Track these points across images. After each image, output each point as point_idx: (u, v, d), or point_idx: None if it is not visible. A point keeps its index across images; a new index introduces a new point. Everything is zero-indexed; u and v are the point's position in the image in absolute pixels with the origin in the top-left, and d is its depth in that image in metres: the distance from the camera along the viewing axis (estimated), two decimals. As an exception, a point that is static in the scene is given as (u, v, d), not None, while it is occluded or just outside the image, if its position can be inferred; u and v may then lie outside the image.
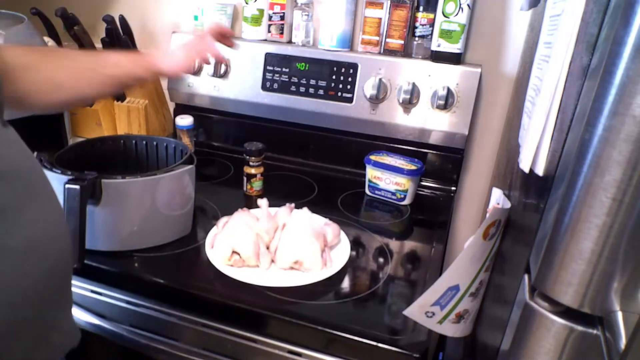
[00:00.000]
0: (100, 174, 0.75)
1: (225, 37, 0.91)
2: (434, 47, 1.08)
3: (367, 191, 1.13)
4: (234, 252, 0.78)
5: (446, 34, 1.05)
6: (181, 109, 1.30)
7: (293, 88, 1.18)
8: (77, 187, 0.71)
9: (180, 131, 1.21)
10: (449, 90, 1.06)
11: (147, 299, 0.78)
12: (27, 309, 0.49)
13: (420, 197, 1.13)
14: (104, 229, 0.80)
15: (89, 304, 0.82)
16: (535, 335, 0.43)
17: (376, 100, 1.11)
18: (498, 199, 0.71)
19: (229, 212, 0.88)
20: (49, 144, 1.13)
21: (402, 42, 1.11)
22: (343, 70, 1.14)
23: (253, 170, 1.05)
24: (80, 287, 0.83)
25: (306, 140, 1.24)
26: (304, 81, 1.17)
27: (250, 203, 1.03)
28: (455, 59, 1.07)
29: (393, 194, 1.09)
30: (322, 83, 1.16)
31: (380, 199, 1.11)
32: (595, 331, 0.40)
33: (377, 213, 1.07)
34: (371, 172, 1.11)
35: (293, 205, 0.92)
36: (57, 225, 0.55)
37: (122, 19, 1.20)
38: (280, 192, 1.11)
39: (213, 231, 0.86)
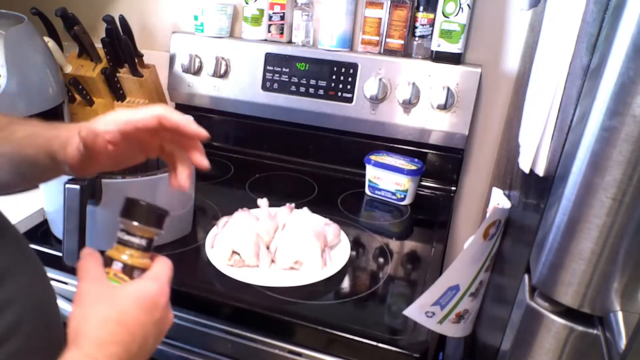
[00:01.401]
0: (100, 174, 0.75)
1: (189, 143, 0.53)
2: (434, 47, 1.08)
3: (367, 191, 1.13)
4: (234, 252, 0.78)
5: (446, 34, 1.05)
6: (181, 109, 1.30)
7: (293, 88, 1.18)
8: (77, 187, 0.71)
9: (180, 131, 1.21)
10: (449, 90, 1.06)
11: (147, 299, 0.78)
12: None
13: (420, 197, 1.13)
14: (104, 229, 0.80)
15: (89, 304, 0.82)
16: (535, 335, 0.43)
17: (376, 100, 1.11)
18: (498, 199, 0.71)
19: (229, 212, 0.88)
20: (49, 144, 1.13)
21: (402, 42, 1.11)
22: (343, 70, 1.14)
23: (126, 256, 0.46)
24: (80, 287, 0.83)
25: (306, 140, 1.24)
26: (304, 81, 1.17)
27: (250, 203, 1.03)
28: (455, 59, 1.07)
29: (393, 194, 1.09)
30: (322, 83, 1.16)
31: (380, 199, 1.11)
32: (595, 331, 0.40)
33: (377, 213, 1.07)
34: (371, 172, 1.11)
35: (293, 205, 0.92)
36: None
37: (122, 19, 1.20)
38: (280, 192, 1.11)
39: (213, 231, 0.86)
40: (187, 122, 0.51)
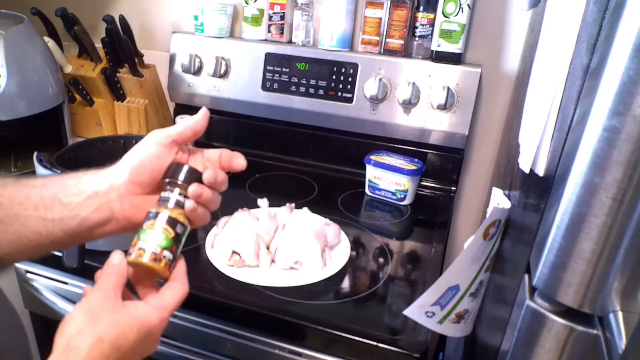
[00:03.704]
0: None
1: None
2: (434, 47, 1.08)
3: (367, 191, 1.13)
4: (234, 252, 0.78)
5: (446, 34, 1.05)
6: (181, 109, 1.30)
7: (293, 88, 1.18)
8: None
9: (180, 131, 1.21)
10: (449, 90, 1.06)
11: (147, 299, 0.78)
12: None
13: (420, 197, 1.13)
14: (104, 229, 0.80)
15: (89, 304, 0.82)
16: (536, 335, 0.43)
17: (376, 100, 1.11)
18: (498, 199, 0.71)
19: (229, 212, 0.88)
20: (49, 144, 1.13)
21: (402, 42, 1.11)
22: (343, 70, 1.14)
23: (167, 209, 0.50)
24: (80, 287, 0.83)
25: (306, 140, 1.24)
26: (304, 81, 1.17)
27: (250, 203, 1.03)
28: (455, 59, 1.07)
29: (393, 194, 1.09)
30: (322, 83, 1.16)
31: (380, 199, 1.11)
32: (595, 331, 0.40)
33: (377, 213, 1.07)
34: (371, 172, 1.11)
35: (293, 205, 0.92)
36: None
37: (122, 19, 1.20)
38: (280, 192, 1.11)
39: (213, 231, 0.86)
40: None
